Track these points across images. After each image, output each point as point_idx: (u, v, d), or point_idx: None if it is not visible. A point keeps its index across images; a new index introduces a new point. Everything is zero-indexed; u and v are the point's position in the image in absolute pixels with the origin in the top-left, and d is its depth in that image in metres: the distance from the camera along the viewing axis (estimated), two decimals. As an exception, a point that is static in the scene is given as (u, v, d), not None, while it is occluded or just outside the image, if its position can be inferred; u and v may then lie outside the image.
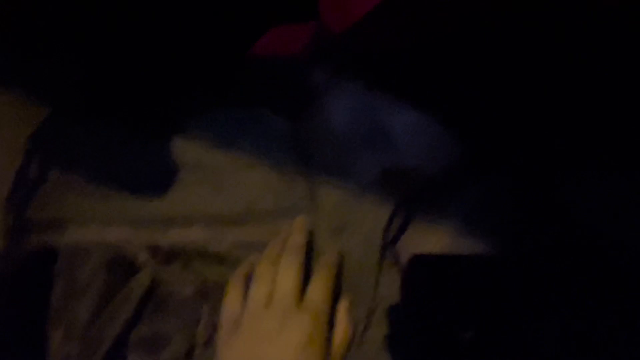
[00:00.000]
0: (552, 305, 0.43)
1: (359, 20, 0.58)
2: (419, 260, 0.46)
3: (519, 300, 0.44)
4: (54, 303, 0.47)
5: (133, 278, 0.47)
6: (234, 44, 0.70)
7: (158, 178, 0.48)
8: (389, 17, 0.56)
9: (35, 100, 0.66)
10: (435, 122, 0.49)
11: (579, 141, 0.49)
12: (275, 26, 0.74)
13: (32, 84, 0.67)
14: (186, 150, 0.49)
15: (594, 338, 0.42)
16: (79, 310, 0.46)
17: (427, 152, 0.48)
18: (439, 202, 0.48)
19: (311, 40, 0.69)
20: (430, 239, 0.47)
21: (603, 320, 0.42)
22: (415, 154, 0.48)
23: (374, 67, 0.52)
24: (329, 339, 0.41)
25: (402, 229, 0.47)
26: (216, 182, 0.48)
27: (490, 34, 0.51)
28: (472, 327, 0.43)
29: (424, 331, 0.43)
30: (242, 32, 0.73)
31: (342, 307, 0.43)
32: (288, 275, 0.42)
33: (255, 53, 0.72)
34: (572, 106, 0.50)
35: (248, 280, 0.44)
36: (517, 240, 0.47)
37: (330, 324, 0.42)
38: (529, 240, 0.47)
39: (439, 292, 0.45)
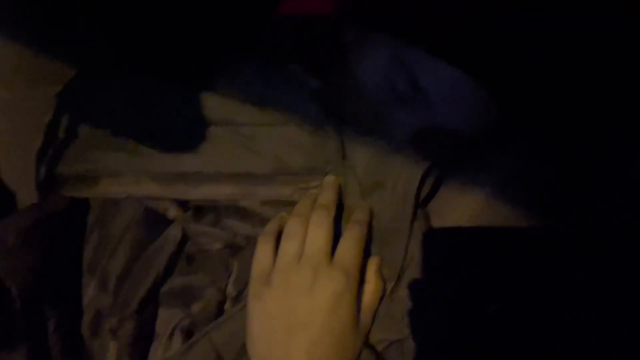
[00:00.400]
0: (584, 283, 0.42)
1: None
2: (442, 229, 0.45)
3: (549, 274, 0.42)
4: (88, 255, 0.48)
5: (164, 232, 0.48)
6: (264, 1, 0.69)
7: (188, 134, 0.48)
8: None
9: (65, 57, 0.66)
10: (472, 81, 0.47)
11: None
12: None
13: (62, 40, 0.67)
14: (217, 106, 0.48)
15: (628, 323, 0.41)
16: (111, 263, 0.47)
17: (464, 112, 0.47)
18: (473, 164, 0.47)
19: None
20: (462, 203, 0.46)
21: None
22: (451, 113, 0.47)
23: (408, 23, 0.51)
24: (359, 296, 0.41)
25: (434, 191, 0.46)
26: (246, 139, 0.47)
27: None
28: (497, 300, 0.42)
29: (446, 305, 0.43)
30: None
31: (372, 265, 0.43)
32: (318, 232, 0.42)
33: (285, 9, 0.70)
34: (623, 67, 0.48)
35: (278, 237, 0.44)
36: (553, 211, 0.45)
37: (360, 281, 0.42)
38: (567, 212, 0.45)
39: (463, 265, 0.44)
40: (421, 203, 0.46)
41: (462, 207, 0.46)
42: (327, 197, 0.44)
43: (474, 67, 0.47)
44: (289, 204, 0.47)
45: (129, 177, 0.47)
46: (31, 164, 0.53)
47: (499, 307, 0.42)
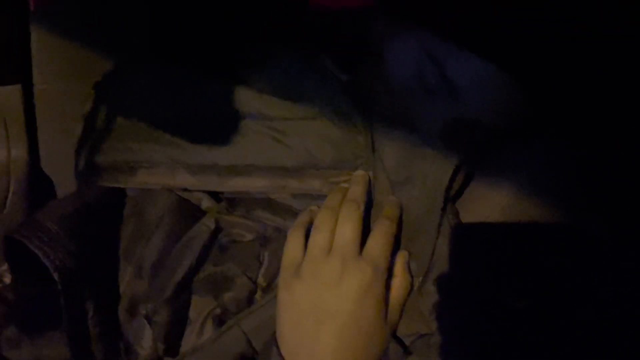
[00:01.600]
0: (614, 280, 0.42)
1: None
2: (472, 224, 0.45)
3: (578, 270, 0.42)
4: (124, 242, 0.50)
5: (198, 222, 0.49)
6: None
7: (222, 127, 0.48)
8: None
9: (102, 49, 0.68)
10: (503, 74, 0.46)
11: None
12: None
13: (100, 32, 0.69)
14: (250, 100, 0.49)
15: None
16: (147, 250, 0.48)
17: (494, 105, 0.46)
18: (503, 158, 0.46)
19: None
20: (491, 198, 0.45)
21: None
22: (482, 106, 0.46)
23: (438, 16, 0.50)
24: (387, 290, 0.42)
25: (463, 186, 0.46)
26: (277, 132, 0.47)
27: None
28: (526, 295, 0.42)
29: (473, 300, 0.43)
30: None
31: (401, 260, 0.43)
32: (348, 225, 0.42)
33: (315, 3, 0.70)
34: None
35: (308, 229, 0.44)
36: (584, 207, 0.44)
37: (389, 275, 0.42)
38: (597, 207, 0.44)
39: (491, 260, 0.43)
40: (451, 198, 0.45)
41: (491, 202, 0.45)
42: (357, 191, 0.45)
43: (505, 60, 0.47)
44: (319, 197, 0.47)
45: (164, 168, 0.48)
46: (70, 153, 0.55)
47: (528, 302, 0.42)
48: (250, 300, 0.47)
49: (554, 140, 0.48)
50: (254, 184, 0.48)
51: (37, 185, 0.73)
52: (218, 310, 0.46)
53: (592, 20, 0.49)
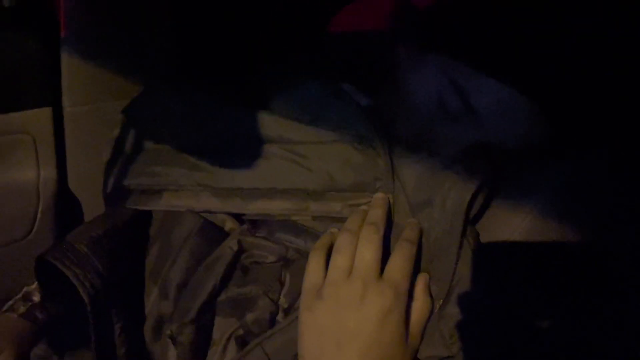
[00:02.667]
0: (637, 301, 0.41)
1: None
2: (493, 246, 0.45)
3: (600, 291, 0.42)
4: (150, 264, 0.51)
5: (222, 244, 0.50)
6: (314, 19, 0.71)
7: (245, 151, 0.50)
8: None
9: (130, 73, 0.70)
10: (523, 97, 0.47)
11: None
12: (353, 2, 0.74)
13: (127, 57, 0.71)
14: (272, 125, 0.50)
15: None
16: (172, 272, 0.50)
17: (514, 129, 0.47)
18: (525, 181, 0.46)
19: (392, 14, 0.68)
20: (512, 219, 0.45)
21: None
22: (502, 130, 0.46)
23: (459, 42, 0.51)
24: (407, 313, 0.42)
25: (483, 208, 0.46)
26: (299, 156, 0.48)
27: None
28: (549, 316, 0.42)
29: (497, 318, 0.42)
30: (322, 7, 0.73)
31: (421, 282, 0.44)
32: (368, 248, 0.43)
33: (335, 28, 0.72)
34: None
35: (329, 252, 0.45)
36: (606, 228, 0.44)
37: (409, 298, 0.42)
38: (620, 228, 0.44)
39: (513, 281, 0.43)
40: (471, 220, 0.45)
41: (512, 224, 0.45)
42: (377, 214, 0.45)
43: (525, 85, 0.47)
44: (339, 220, 0.48)
45: (189, 191, 0.50)
46: (97, 174, 0.57)
47: (551, 323, 0.42)
48: (272, 321, 0.47)
49: (575, 161, 0.47)
50: (276, 207, 0.49)
51: (65, 205, 0.76)
52: (241, 331, 0.47)
53: (613, 44, 0.50)
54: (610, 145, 0.48)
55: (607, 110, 0.51)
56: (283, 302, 0.48)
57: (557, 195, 0.45)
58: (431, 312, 0.44)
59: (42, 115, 0.72)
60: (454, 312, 0.43)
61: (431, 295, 0.44)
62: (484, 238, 0.46)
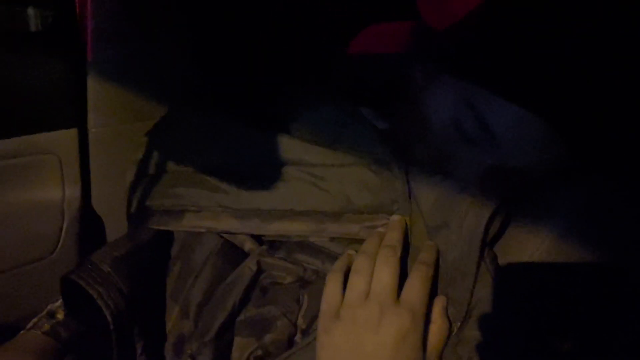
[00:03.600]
0: None
1: (462, 19, 0.57)
2: (512, 268, 0.45)
3: (623, 312, 0.41)
4: (171, 283, 0.52)
5: (241, 264, 0.51)
6: (333, 41, 0.72)
7: (264, 173, 0.51)
8: (492, 16, 0.55)
9: (154, 97, 0.72)
10: (540, 120, 0.47)
11: None
12: (372, 24, 0.75)
13: (151, 81, 0.73)
14: (291, 148, 0.51)
15: None
16: (193, 291, 0.50)
17: (532, 151, 0.47)
18: (543, 203, 0.46)
19: (409, 38, 0.69)
20: (531, 241, 0.45)
21: None
22: (520, 152, 0.47)
23: (476, 64, 0.52)
24: (425, 336, 0.42)
25: (501, 230, 0.47)
26: (317, 178, 0.49)
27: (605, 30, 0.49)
28: (571, 338, 0.42)
29: (517, 341, 0.42)
30: (340, 31, 0.75)
31: (438, 305, 0.44)
32: (385, 271, 0.43)
33: (352, 50, 0.73)
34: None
35: (346, 274, 0.45)
36: (627, 250, 0.44)
37: (427, 321, 0.43)
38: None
39: (534, 303, 0.43)
40: (488, 242, 0.46)
41: (531, 246, 0.45)
42: (394, 236, 0.46)
43: (543, 107, 0.48)
44: (356, 241, 0.48)
45: (210, 213, 0.51)
46: (120, 195, 0.59)
47: (573, 344, 0.41)
48: (290, 342, 0.48)
49: (593, 182, 0.47)
50: (294, 228, 0.49)
51: (88, 223, 0.77)
52: (259, 352, 0.47)
53: (634, 69, 0.50)
54: (629, 166, 0.48)
55: (626, 133, 0.50)
56: (301, 323, 0.48)
57: (576, 216, 0.45)
58: (449, 335, 0.44)
59: (68, 136, 0.74)
60: (472, 334, 0.43)
61: (449, 318, 0.44)
62: (503, 260, 0.46)
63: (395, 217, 0.47)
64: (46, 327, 0.52)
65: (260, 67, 0.68)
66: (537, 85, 0.50)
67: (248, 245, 0.53)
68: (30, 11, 0.87)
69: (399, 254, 0.44)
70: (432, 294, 0.44)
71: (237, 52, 0.75)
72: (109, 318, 0.45)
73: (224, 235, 0.53)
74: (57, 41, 0.75)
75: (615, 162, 0.49)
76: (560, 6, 0.51)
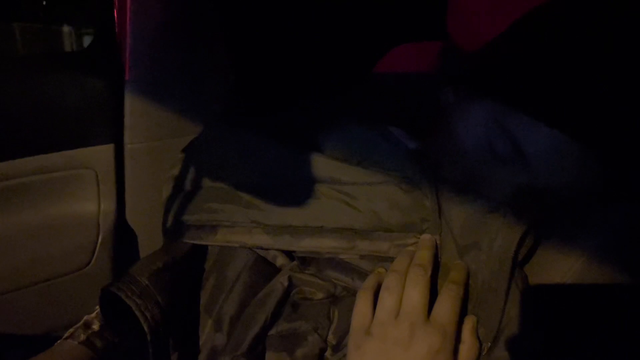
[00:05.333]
0: None
1: (492, 40, 0.58)
2: (543, 289, 0.45)
3: None
4: (205, 297, 0.54)
5: (273, 279, 0.52)
6: (363, 60, 0.73)
7: (296, 190, 0.52)
8: (523, 37, 0.55)
9: (189, 115, 0.74)
10: (573, 142, 0.47)
11: None
12: (401, 44, 0.76)
13: (186, 100, 0.76)
14: (323, 166, 0.52)
15: None
16: (226, 305, 0.52)
17: (565, 174, 0.47)
18: (576, 224, 0.46)
19: (439, 58, 0.70)
20: (562, 263, 0.45)
21: None
22: (552, 174, 0.47)
23: (507, 85, 0.52)
24: (455, 356, 0.42)
25: (532, 251, 0.46)
26: (347, 196, 0.50)
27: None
28: None
29: None
30: (369, 51, 0.76)
31: (469, 325, 0.44)
32: (416, 290, 0.43)
33: (382, 70, 0.74)
34: None
35: (376, 291, 0.46)
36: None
37: (457, 341, 0.43)
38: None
39: (564, 326, 0.43)
40: (519, 263, 0.45)
41: (563, 267, 0.45)
42: (424, 256, 0.46)
43: (577, 130, 0.47)
44: (386, 259, 0.49)
45: (242, 228, 0.52)
46: (153, 209, 0.60)
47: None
48: (321, 358, 0.48)
49: (627, 205, 0.47)
50: (325, 245, 0.50)
51: (123, 237, 0.80)
52: (291, 367, 0.48)
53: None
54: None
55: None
56: (331, 339, 0.49)
57: (610, 238, 0.45)
58: (479, 355, 0.44)
59: (105, 152, 0.77)
60: (502, 355, 0.43)
61: (479, 338, 0.44)
62: (534, 281, 0.46)
63: (426, 236, 0.48)
64: (82, 337, 0.54)
65: (294, 87, 0.70)
66: (570, 106, 0.50)
67: (280, 260, 0.54)
68: (66, 28, 0.91)
69: (429, 273, 0.45)
70: (462, 313, 0.44)
71: (271, 72, 0.77)
72: (146, 329, 0.47)
73: (257, 250, 0.54)
74: (97, 60, 0.78)
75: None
76: (592, 26, 0.51)
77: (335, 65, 0.77)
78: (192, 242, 0.54)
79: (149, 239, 0.79)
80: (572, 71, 0.50)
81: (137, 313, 0.47)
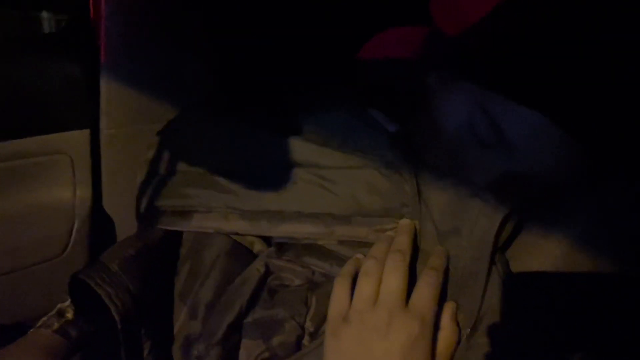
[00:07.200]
0: None
1: (475, 24, 0.57)
2: (524, 275, 0.44)
3: (635, 322, 0.40)
4: (179, 284, 0.52)
5: (249, 266, 0.51)
6: (345, 45, 0.72)
7: (273, 175, 0.51)
8: (505, 21, 0.55)
9: (167, 99, 0.73)
10: (556, 127, 0.46)
11: None
12: (385, 29, 0.75)
13: (164, 83, 0.74)
14: (301, 150, 0.51)
15: None
16: (202, 291, 0.50)
17: (547, 158, 0.46)
18: (557, 209, 0.45)
19: (421, 43, 0.69)
20: (544, 248, 0.45)
21: None
22: (535, 158, 0.46)
23: (491, 69, 0.51)
24: (434, 343, 0.42)
25: (513, 236, 0.46)
26: (326, 180, 0.49)
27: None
28: (582, 348, 0.41)
29: (527, 350, 0.41)
30: (353, 36, 0.75)
31: (448, 311, 0.43)
32: (394, 276, 0.43)
33: (365, 55, 0.73)
34: None
35: (354, 278, 0.45)
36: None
37: (436, 327, 0.42)
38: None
39: (545, 312, 0.42)
40: (500, 248, 0.45)
41: (544, 253, 0.45)
42: (403, 241, 0.45)
43: (559, 113, 0.47)
44: (365, 245, 0.48)
45: (218, 213, 0.51)
46: (131, 196, 0.59)
47: (583, 356, 0.40)
48: (298, 345, 0.47)
49: (608, 190, 0.47)
50: (303, 230, 0.49)
51: (99, 224, 0.78)
52: (266, 354, 0.47)
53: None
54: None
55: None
56: (309, 325, 0.48)
57: (591, 223, 0.44)
58: (458, 341, 0.43)
59: (80, 137, 0.75)
60: (482, 341, 0.42)
61: (458, 325, 0.43)
62: (515, 267, 0.45)
63: (405, 221, 0.47)
64: (56, 325, 0.53)
65: (272, 70, 0.68)
66: (551, 90, 0.50)
67: (258, 246, 0.52)
68: (45, 14, 0.89)
69: (408, 259, 0.44)
70: (442, 300, 0.43)
71: (250, 54, 0.75)
72: (116, 318, 0.45)
73: (234, 236, 0.53)
74: (71, 43, 0.75)
75: (633, 169, 0.48)
76: (576, 10, 0.50)
77: (319, 50, 0.75)
78: (166, 228, 0.53)
79: (127, 226, 0.77)
80: (554, 54, 0.49)
81: (107, 301, 0.46)
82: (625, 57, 0.50)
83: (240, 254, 0.52)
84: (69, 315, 0.55)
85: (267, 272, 0.50)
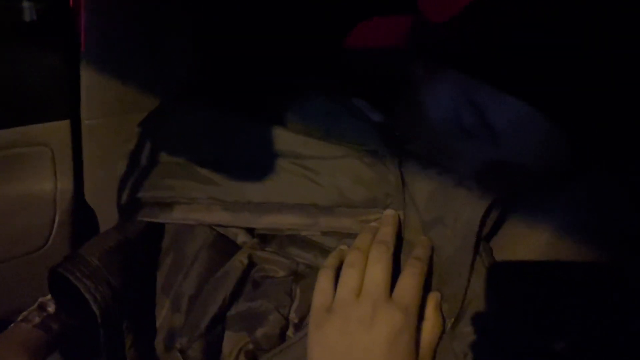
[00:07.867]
0: None
1: (461, 12, 0.56)
2: (508, 264, 0.44)
3: (618, 311, 0.41)
4: (162, 276, 0.52)
5: (233, 257, 0.50)
6: (330, 34, 0.71)
7: (256, 165, 0.50)
8: (492, 8, 0.54)
9: (148, 89, 0.71)
10: (542, 116, 0.46)
11: None
12: (369, 18, 0.75)
13: (145, 72, 0.73)
14: (284, 140, 0.50)
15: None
16: (184, 284, 0.50)
17: (532, 147, 0.46)
18: (542, 199, 0.45)
19: (407, 31, 0.68)
20: (529, 237, 0.45)
21: None
22: (520, 148, 0.46)
23: (476, 58, 0.51)
24: (418, 333, 0.41)
25: (497, 225, 0.46)
26: (309, 171, 0.48)
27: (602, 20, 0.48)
28: (565, 336, 0.41)
29: (512, 338, 0.41)
30: (338, 25, 0.74)
31: (432, 302, 0.43)
32: (378, 267, 0.42)
33: (351, 43, 0.72)
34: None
35: (338, 269, 0.45)
36: (626, 247, 0.43)
37: (420, 317, 0.42)
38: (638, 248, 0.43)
39: (529, 300, 0.42)
40: (484, 237, 0.45)
41: (528, 242, 0.45)
42: (387, 232, 0.45)
43: (545, 103, 0.47)
44: (349, 235, 0.48)
45: (200, 205, 0.50)
46: (113, 187, 0.58)
47: (567, 344, 0.41)
48: (282, 337, 0.47)
49: (593, 179, 0.47)
50: (286, 221, 0.48)
51: (81, 216, 0.77)
52: (251, 346, 0.46)
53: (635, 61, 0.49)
54: (629, 164, 0.47)
55: (628, 130, 0.50)
56: (293, 317, 0.47)
57: (575, 213, 0.44)
58: (443, 331, 0.43)
59: (60, 128, 0.74)
60: (466, 330, 0.43)
61: (443, 315, 0.43)
62: (500, 256, 0.45)
63: (389, 212, 0.46)
64: (37, 320, 0.52)
65: (254, 60, 0.67)
66: (540, 80, 0.49)
67: (241, 238, 0.52)
68: (25, 3, 0.87)
69: (391, 249, 0.44)
70: (426, 290, 0.43)
71: (234, 44, 0.74)
72: (96, 311, 0.45)
73: (217, 228, 0.52)
74: (50, 32, 0.74)
75: (617, 159, 0.48)
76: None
77: (303, 39, 0.74)
78: (147, 219, 0.52)
79: (110, 218, 0.76)
80: (540, 42, 0.49)
81: (87, 295, 0.45)
82: (613, 43, 0.50)
83: (223, 245, 0.52)
84: (50, 309, 0.55)
85: (251, 264, 0.50)
